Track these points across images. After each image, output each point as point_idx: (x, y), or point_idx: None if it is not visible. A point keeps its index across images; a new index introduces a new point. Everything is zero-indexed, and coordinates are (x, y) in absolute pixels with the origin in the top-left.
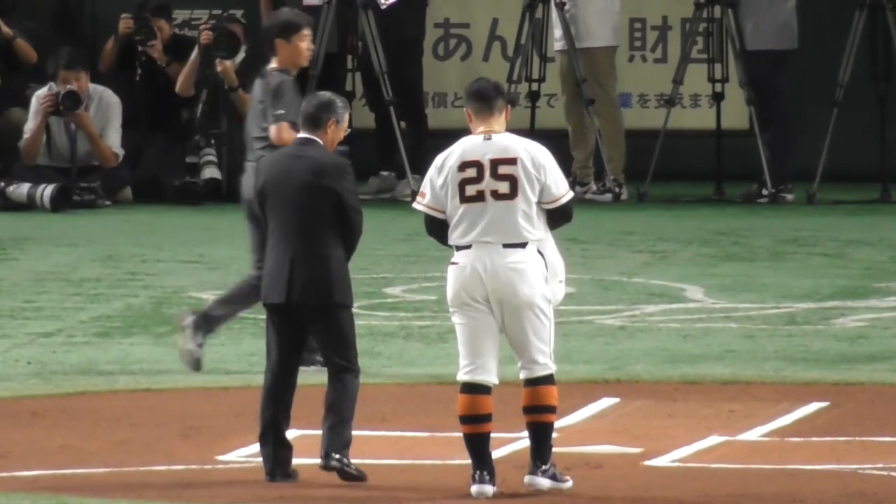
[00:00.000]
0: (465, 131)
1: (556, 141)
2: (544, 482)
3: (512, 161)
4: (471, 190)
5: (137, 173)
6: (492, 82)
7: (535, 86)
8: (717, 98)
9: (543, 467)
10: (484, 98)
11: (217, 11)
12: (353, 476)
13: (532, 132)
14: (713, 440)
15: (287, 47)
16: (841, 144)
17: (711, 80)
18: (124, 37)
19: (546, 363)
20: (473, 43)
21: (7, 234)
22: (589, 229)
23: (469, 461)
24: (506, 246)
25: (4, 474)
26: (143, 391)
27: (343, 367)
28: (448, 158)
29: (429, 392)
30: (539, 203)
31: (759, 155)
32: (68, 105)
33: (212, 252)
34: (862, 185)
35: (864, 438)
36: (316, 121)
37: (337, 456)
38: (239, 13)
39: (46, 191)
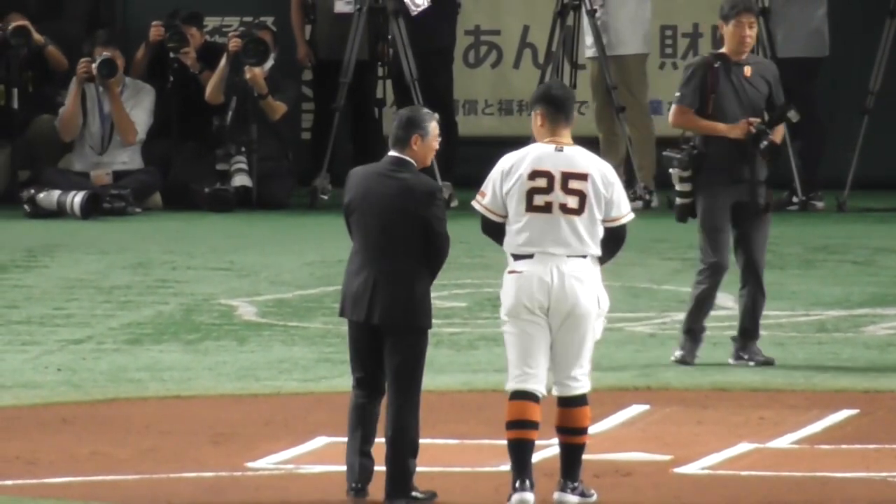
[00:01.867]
0: (496, 139)
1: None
2: (573, 499)
3: (583, 177)
4: (539, 200)
5: (168, 181)
6: (566, 88)
7: None
8: None
9: (573, 485)
10: (560, 106)
11: (248, 18)
12: (423, 501)
13: None
14: (743, 447)
15: (727, 31)
16: (871, 152)
17: None
18: (155, 44)
19: (583, 382)
20: (504, 50)
21: (37, 242)
22: None
23: (499, 469)
24: (569, 256)
25: (34, 481)
26: (173, 398)
27: (404, 400)
28: (518, 165)
29: (459, 399)
30: (601, 220)
31: (789, 162)
32: (104, 72)
33: (242, 259)
34: (892, 193)
35: (895, 446)
36: (401, 140)
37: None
38: (269, 20)
39: (76, 198)
